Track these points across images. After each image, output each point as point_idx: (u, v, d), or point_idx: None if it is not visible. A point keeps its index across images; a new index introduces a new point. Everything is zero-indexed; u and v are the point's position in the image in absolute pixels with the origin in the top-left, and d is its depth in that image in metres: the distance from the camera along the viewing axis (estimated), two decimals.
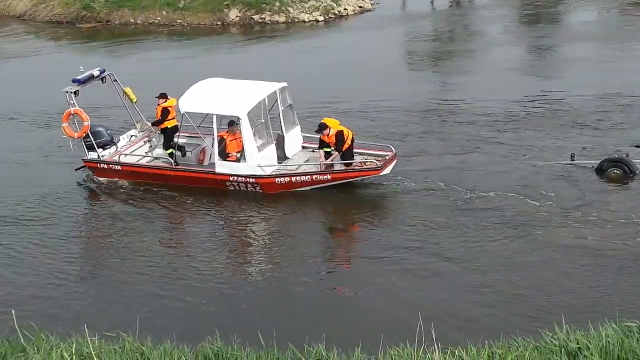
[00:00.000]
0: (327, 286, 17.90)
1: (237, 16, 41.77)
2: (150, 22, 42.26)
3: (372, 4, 44.25)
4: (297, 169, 22.63)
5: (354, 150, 22.41)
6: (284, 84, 23.19)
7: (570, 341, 11.15)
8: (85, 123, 23.02)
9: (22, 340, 11.74)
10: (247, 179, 22.18)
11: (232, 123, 22.68)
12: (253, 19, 41.66)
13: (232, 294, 17.54)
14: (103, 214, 22.09)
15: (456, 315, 16.06)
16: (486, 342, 12.04)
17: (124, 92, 24.45)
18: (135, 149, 24.26)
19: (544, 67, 32.62)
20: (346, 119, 26.49)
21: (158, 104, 23.92)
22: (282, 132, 23.20)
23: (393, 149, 22.65)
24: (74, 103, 22.98)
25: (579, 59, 33.03)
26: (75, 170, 24.09)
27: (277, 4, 41.95)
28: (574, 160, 22.37)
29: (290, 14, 41.77)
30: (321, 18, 41.85)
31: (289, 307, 16.89)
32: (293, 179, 22.19)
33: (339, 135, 21.97)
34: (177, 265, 18.88)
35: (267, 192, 22.16)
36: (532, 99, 28.12)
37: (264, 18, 41.60)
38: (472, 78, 31.46)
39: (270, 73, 25.94)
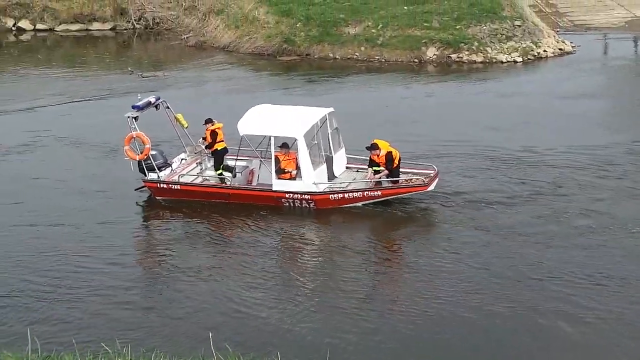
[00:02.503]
0: (497, 323, 17.63)
1: (434, 54, 41.84)
2: (348, 57, 42.84)
3: (572, 47, 43.32)
4: (347, 185, 24.07)
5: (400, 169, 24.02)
6: (331, 109, 24.83)
7: None
8: (147, 146, 24.30)
9: None
10: (303, 196, 23.61)
11: (285, 145, 23.72)
12: (450, 57, 41.61)
13: (401, 323, 17.70)
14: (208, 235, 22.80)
15: None
16: None
17: (176, 118, 25.77)
18: (188, 170, 25.48)
19: None
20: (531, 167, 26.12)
21: (206, 129, 25.24)
22: (330, 153, 24.73)
23: (435, 167, 23.99)
24: (135, 127, 24.36)
25: None
26: (135, 190, 25.12)
27: (476, 43, 41.76)
28: None
29: (488, 54, 41.46)
30: (519, 59, 41.31)
31: (468, 341, 17.00)
32: (346, 195, 23.73)
33: (389, 156, 23.76)
34: (357, 296, 19.14)
35: (320, 208, 23.56)
36: None
37: (461, 57, 41.47)
38: None
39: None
